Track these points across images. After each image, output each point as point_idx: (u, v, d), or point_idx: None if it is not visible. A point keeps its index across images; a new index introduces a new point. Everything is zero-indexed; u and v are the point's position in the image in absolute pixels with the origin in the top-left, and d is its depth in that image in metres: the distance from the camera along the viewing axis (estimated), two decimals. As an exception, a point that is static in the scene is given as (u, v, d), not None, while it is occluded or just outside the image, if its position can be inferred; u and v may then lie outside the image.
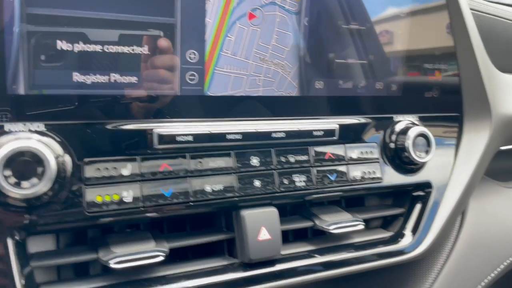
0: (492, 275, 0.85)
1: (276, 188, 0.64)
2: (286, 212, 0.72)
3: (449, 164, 0.80)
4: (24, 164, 0.47)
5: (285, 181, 0.65)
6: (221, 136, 0.60)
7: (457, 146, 0.81)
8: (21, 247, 0.51)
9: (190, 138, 0.58)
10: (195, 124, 0.59)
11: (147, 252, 0.55)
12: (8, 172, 0.46)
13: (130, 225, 0.62)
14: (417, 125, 0.75)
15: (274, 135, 0.64)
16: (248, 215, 0.61)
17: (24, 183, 0.47)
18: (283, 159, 0.65)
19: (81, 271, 0.58)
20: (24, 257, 0.52)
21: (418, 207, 0.78)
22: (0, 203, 0.48)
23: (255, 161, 0.63)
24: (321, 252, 0.68)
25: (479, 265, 0.85)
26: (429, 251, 0.75)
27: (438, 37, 0.77)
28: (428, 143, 0.74)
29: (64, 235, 0.58)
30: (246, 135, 0.61)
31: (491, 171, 1.00)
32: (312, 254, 0.67)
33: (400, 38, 0.73)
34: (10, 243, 0.49)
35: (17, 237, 0.50)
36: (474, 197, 0.91)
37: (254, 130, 0.62)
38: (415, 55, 0.75)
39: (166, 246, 0.57)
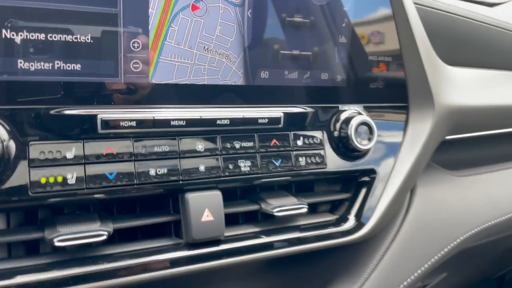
0: (436, 257, 0.90)
1: (221, 172, 0.67)
2: (236, 196, 0.76)
3: (393, 152, 0.84)
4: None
5: (230, 166, 0.68)
6: (165, 122, 0.63)
7: (401, 135, 0.85)
8: None
9: (134, 124, 0.60)
10: (140, 111, 0.62)
11: (90, 232, 0.58)
12: None
13: (80, 207, 0.65)
14: (361, 114, 0.79)
15: (219, 122, 0.67)
16: (192, 197, 0.65)
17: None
18: (228, 145, 0.68)
19: (32, 251, 0.61)
20: None
21: (363, 192, 0.82)
22: None
23: (200, 146, 0.66)
24: (266, 233, 0.72)
25: (423, 248, 0.89)
26: (371, 233, 0.80)
27: (383, 30, 0.81)
28: (371, 131, 0.78)
29: (14, 216, 0.61)
30: (190, 122, 0.64)
31: (443, 162, 1.05)
32: (257, 235, 0.71)
33: (345, 30, 0.77)
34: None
35: None
36: (422, 184, 0.95)
37: (199, 117, 0.65)
38: (360, 47, 0.79)
39: (110, 227, 0.60)
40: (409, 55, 0.83)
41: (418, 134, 0.86)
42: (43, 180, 0.56)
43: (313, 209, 0.81)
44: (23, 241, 0.60)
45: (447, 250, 0.92)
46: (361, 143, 0.77)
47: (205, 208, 0.65)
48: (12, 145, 0.54)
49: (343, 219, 0.80)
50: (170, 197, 0.67)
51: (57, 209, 0.63)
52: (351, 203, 0.81)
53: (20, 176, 0.55)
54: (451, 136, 0.94)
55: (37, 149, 0.55)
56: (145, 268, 0.61)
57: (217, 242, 0.67)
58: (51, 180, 0.56)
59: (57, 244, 0.56)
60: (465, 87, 0.94)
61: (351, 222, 0.79)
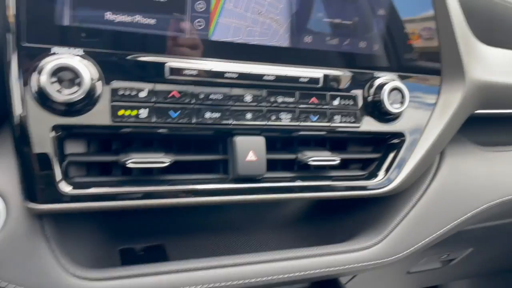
0: (457, 221, 0.97)
1: (265, 121, 0.77)
2: (276, 149, 0.86)
3: (423, 119, 0.92)
4: (66, 76, 0.63)
5: (273, 117, 0.78)
6: (220, 74, 0.74)
7: (432, 103, 0.92)
8: (59, 145, 0.67)
9: (195, 73, 0.72)
10: (200, 62, 0.73)
11: (156, 158, 0.70)
12: (54, 79, 0.62)
13: (145, 143, 0.78)
14: (394, 81, 0.86)
15: (265, 77, 0.77)
16: (239, 140, 0.76)
17: (65, 91, 0.63)
18: (272, 98, 0.78)
19: (105, 173, 0.74)
20: (61, 153, 0.67)
21: (392, 153, 0.90)
22: (45, 105, 0.63)
23: (248, 97, 0.77)
24: (301, 178, 0.82)
25: (446, 211, 0.97)
26: (398, 189, 0.88)
27: (419, 5, 0.88)
28: (403, 97, 0.86)
29: (93, 145, 0.74)
30: (242, 75, 0.75)
31: (473, 139, 1.11)
32: (293, 179, 0.81)
33: (384, 3, 0.85)
34: (51, 139, 0.65)
35: (57, 134, 0.65)
36: (451, 154, 1.02)
37: (249, 72, 0.76)
38: (397, 19, 0.87)
39: (172, 157, 0.72)
40: (444, 29, 0.90)
41: (448, 104, 0.93)
42: (120, 113, 0.68)
43: (345, 165, 0.90)
44: (98, 165, 0.73)
45: (469, 215, 0.98)
46: (392, 107, 0.85)
47: (249, 150, 0.76)
48: (99, 83, 0.67)
49: (373, 174, 0.88)
50: (220, 140, 0.78)
51: (128, 143, 0.76)
52: (381, 162, 0.90)
53: (103, 107, 0.67)
54: (480, 111, 0.99)
55: (117, 87, 0.68)
56: (196, 192, 0.73)
57: (258, 180, 0.77)
58: (127, 113, 0.68)
59: (129, 165, 0.68)
60: (497, 65, 0.99)
61: (380, 177, 0.88)
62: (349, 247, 0.86)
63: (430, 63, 0.91)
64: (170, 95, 0.71)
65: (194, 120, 0.73)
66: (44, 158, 0.64)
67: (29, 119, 0.63)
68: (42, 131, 0.64)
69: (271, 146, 0.80)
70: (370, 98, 0.86)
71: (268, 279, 0.77)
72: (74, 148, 0.71)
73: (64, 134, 0.67)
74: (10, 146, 0.66)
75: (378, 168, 0.89)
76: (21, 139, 0.63)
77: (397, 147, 0.90)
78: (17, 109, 0.62)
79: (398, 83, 0.85)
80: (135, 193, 0.69)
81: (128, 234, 0.89)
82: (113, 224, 0.88)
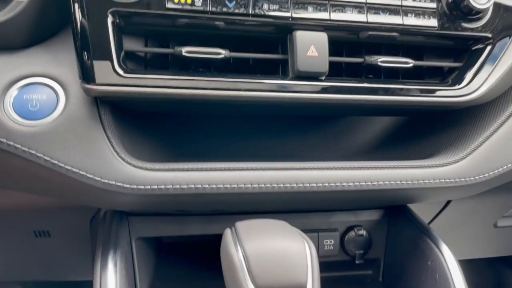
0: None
1: (328, 16, 0.71)
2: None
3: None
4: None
5: (338, 13, 0.72)
6: None
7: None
8: (118, 36, 0.66)
9: None
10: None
11: (212, 49, 0.68)
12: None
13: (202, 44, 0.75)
14: None
15: None
16: (300, 34, 0.70)
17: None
18: None
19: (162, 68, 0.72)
20: (119, 44, 0.67)
21: (476, 61, 0.79)
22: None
23: (309, -11, 0.71)
24: (369, 81, 0.75)
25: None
26: (483, 99, 0.77)
27: None
28: (489, -7, 0.75)
29: (150, 42, 0.73)
30: None
31: None
32: (360, 81, 0.74)
33: None
34: (109, 24, 0.64)
35: (115, 20, 0.65)
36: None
37: None
38: None
39: (228, 52, 0.69)
40: None
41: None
42: (176, 0, 0.66)
43: (420, 76, 0.81)
44: (156, 61, 0.72)
45: None
46: (477, 1, 0.75)
47: (311, 45, 0.71)
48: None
49: (454, 82, 0.78)
50: (279, 40, 0.74)
51: (185, 42, 0.74)
52: (462, 71, 0.80)
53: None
54: None
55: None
56: (255, 86, 0.69)
57: (320, 78, 0.72)
58: (182, 0, 0.66)
59: (184, 54, 0.67)
60: None
61: (463, 83, 0.77)
62: (425, 163, 0.78)
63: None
64: (227, -16, 0.68)
65: (251, 11, 0.69)
66: (102, 42, 0.64)
67: (88, 3, 0.63)
68: (100, 15, 0.64)
69: (335, 52, 0.73)
70: (451, -5, 0.76)
71: (327, 186, 0.71)
72: (132, 45, 0.71)
73: (122, 22, 0.66)
74: (71, 43, 0.68)
75: (460, 76, 0.79)
76: (81, 25, 0.64)
77: (482, 53, 0.79)
78: None
79: (484, -27, 0.75)
80: (192, 82, 0.67)
81: (179, 153, 0.88)
82: (166, 139, 0.88)
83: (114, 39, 0.65)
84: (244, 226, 0.57)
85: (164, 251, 1.00)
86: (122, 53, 0.67)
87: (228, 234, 0.56)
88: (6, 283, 1.32)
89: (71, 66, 0.68)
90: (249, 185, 0.68)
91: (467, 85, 0.78)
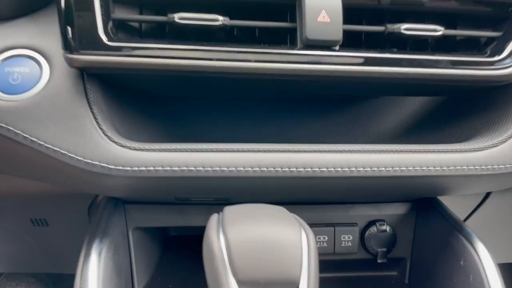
0: None
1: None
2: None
3: None
4: None
5: None
6: None
7: None
8: (106, 1, 0.60)
9: None
10: None
11: (208, 15, 0.60)
12: None
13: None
14: None
15: None
16: (309, -4, 0.62)
17: None
18: None
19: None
20: (107, 8, 0.60)
21: (518, 30, 0.68)
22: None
23: None
24: (390, 52, 0.65)
25: None
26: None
27: None
28: None
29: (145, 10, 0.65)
30: None
31: None
32: (381, 52, 0.64)
33: None
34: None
35: None
36: None
37: None
38: None
39: (228, 20, 0.60)
40: None
41: None
42: None
43: (452, 47, 0.70)
44: (153, 30, 0.65)
45: None
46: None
47: (322, 9, 0.62)
48: None
49: (491, 54, 0.67)
50: (286, 7, 0.65)
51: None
52: (502, 42, 0.68)
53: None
54: None
55: None
56: (260, 59, 0.61)
57: (333, 47, 0.63)
58: None
59: (177, 20, 0.59)
60: None
61: (501, 56, 0.67)
62: (457, 147, 0.67)
63: None
64: None
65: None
66: (86, 8, 0.58)
67: None
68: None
69: (353, 21, 0.64)
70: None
71: (340, 171, 0.62)
72: (124, 14, 0.64)
73: None
74: (55, 16, 0.62)
75: (500, 47, 0.68)
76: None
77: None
78: None
79: None
80: (190, 52, 0.60)
81: (175, 135, 0.80)
82: (170, 123, 0.80)
83: (101, 5, 0.59)
84: (233, 210, 0.48)
85: (170, 244, 0.93)
86: (111, 22, 0.60)
87: (213, 219, 0.48)
88: (18, 275, 1.29)
89: (58, 39, 0.62)
90: (249, 169, 0.60)
91: (508, 56, 0.66)
